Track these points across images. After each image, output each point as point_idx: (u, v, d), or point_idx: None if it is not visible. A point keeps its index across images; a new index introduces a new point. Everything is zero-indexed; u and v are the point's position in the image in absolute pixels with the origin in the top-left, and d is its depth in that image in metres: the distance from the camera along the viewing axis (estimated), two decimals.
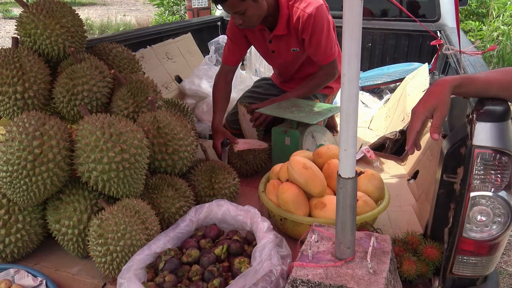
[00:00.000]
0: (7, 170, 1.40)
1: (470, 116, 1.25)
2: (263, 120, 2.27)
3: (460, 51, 1.47)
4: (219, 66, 2.93)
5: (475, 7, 7.55)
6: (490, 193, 1.22)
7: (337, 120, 2.83)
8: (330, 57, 2.28)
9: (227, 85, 2.47)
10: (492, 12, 6.92)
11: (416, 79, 2.68)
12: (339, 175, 1.07)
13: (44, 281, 1.40)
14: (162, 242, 1.42)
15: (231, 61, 2.46)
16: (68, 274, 1.50)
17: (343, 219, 1.10)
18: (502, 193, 1.20)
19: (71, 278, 1.48)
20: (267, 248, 1.28)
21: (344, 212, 1.09)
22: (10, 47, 1.66)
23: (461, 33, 2.78)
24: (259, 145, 2.16)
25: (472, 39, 5.99)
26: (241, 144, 2.14)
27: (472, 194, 1.23)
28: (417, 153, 2.17)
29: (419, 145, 1.29)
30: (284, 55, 2.38)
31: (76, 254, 1.53)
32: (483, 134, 1.19)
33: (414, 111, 1.28)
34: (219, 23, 3.90)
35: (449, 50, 1.52)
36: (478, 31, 6.65)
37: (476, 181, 1.22)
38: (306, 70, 2.47)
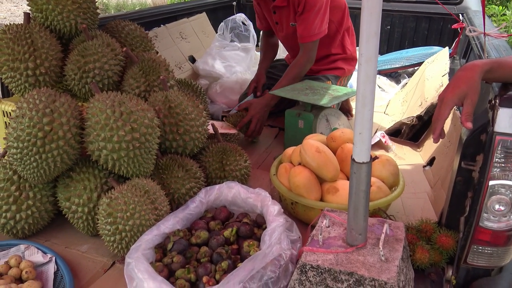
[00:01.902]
0: (17, 147, 1.39)
1: (493, 102, 1.20)
2: (254, 129, 2.23)
3: (484, 33, 1.40)
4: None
5: None
6: (510, 182, 1.18)
7: (352, 104, 2.77)
8: (313, 37, 2.25)
9: (270, 40, 2.71)
10: None
11: (436, 64, 2.60)
12: (353, 160, 1.03)
13: (53, 258, 1.40)
14: (171, 223, 1.40)
15: (260, 26, 2.67)
16: (77, 252, 1.51)
17: (355, 204, 1.07)
18: None
19: (81, 256, 1.49)
20: (277, 232, 1.25)
21: (357, 197, 1.06)
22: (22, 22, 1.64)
23: (486, 17, 2.68)
24: (229, 130, 2.16)
25: (495, 24, 5.80)
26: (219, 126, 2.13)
27: (491, 182, 1.19)
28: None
29: (443, 133, 1.23)
30: (286, 28, 2.40)
31: (86, 232, 1.53)
32: (506, 120, 1.14)
33: (442, 97, 1.21)
34: (234, 2, 3.83)
35: (472, 32, 1.45)
36: (502, 15, 6.44)
37: (496, 169, 1.18)
38: None
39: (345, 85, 2.65)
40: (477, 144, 1.24)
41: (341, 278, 1.06)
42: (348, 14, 2.49)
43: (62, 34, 1.69)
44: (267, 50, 2.71)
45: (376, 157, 1.63)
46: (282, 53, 3.50)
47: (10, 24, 1.61)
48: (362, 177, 1.04)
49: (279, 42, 2.78)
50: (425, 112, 2.23)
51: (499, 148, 1.16)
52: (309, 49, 2.29)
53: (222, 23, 3.43)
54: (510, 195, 1.19)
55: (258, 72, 2.64)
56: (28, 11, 1.66)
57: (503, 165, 1.17)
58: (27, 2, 1.67)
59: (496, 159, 1.17)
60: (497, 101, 1.16)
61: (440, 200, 1.62)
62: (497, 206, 1.20)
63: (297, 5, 2.22)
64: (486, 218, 1.23)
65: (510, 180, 1.18)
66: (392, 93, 3.04)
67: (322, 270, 1.07)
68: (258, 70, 2.66)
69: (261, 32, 2.76)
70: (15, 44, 1.55)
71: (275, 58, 3.01)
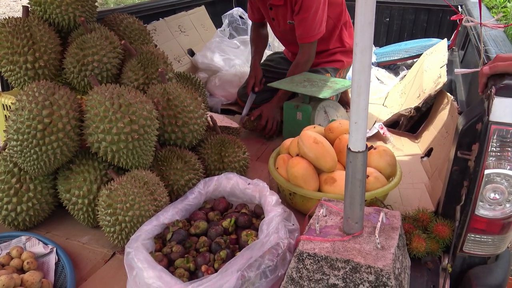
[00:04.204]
0: (17, 139, 1.40)
1: (488, 91, 1.21)
2: (272, 125, 2.28)
3: (480, 24, 1.41)
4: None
5: None
6: (505, 171, 1.19)
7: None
8: (311, 37, 2.29)
9: (261, 31, 2.69)
10: None
11: (434, 55, 2.60)
12: (348, 149, 1.04)
13: (54, 249, 1.42)
14: (170, 214, 1.42)
15: (253, 18, 2.64)
16: (78, 243, 1.52)
17: (352, 193, 1.08)
18: None
19: (81, 247, 1.50)
20: (275, 222, 1.27)
21: (353, 186, 1.07)
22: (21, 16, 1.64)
23: (484, 8, 2.68)
24: (230, 124, 2.19)
25: (495, 16, 5.78)
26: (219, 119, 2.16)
27: (486, 171, 1.20)
28: (432, 131, 2.12)
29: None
30: (283, 25, 2.41)
31: (87, 224, 1.55)
32: (501, 109, 1.15)
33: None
34: None
35: (469, 22, 1.45)
36: (503, 7, 6.42)
37: (491, 158, 1.19)
38: None
39: (344, 77, 2.65)
40: (473, 134, 1.25)
41: (337, 265, 1.07)
42: (345, 8, 2.50)
43: (60, 27, 1.69)
44: (259, 42, 2.68)
45: (372, 147, 1.63)
46: (281, 46, 3.51)
47: (9, 17, 1.61)
48: (358, 166, 1.05)
49: (275, 37, 2.79)
50: (423, 104, 2.24)
51: (494, 137, 1.17)
52: (308, 48, 2.34)
53: (226, 20, 3.43)
54: (505, 183, 1.20)
55: (254, 66, 2.60)
56: (26, 5, 1.67)
57: (498, 154, 1.18)
58: None
59: (492, 148, 1.18)
60: (492, 90, 1.17)
61: (437, 190, 1.63)
62: (492, 195, 1.22)
63: (294, 4, 2.24)
64: (482, 207, 1.24)
65: (505, 169, 1.19)
66: (390, 85, 3.04)
67: (319, 258, 1.09)
68: (253, 64, 2.61)
69: (251, 24, 2.73)
70: (14, 37, 1.55)
71: (273, 51, 3.02)
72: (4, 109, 1.81)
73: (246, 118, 2.35)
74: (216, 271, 1.21)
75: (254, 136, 2.36)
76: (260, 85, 2.56)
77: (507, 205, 1.21)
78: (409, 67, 3.21)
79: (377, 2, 0.94)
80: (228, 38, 3.31)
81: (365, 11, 0.91)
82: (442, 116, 2.05)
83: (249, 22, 3.41)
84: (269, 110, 2.28)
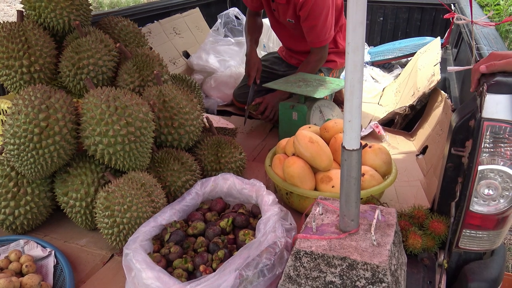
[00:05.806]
0: (14, 143, 1.41)
1: (480, 88, 1.22)
2: (270, 113, 2.35)
3: (472, 22, 1.42)
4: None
5: None
6: (499, 167, 1.20)
7: None
8: (322, 42, 2.33)
9: (257, 20, 2.66)
10: None
11: (428, 54, 2.62)
12: (343, 147, 1.05)
13: (53, 252, 1.43)
14: (168, 215, 1.43)
15: (251, 6, 2.59)
16: (76, 246, 1.53)
17: (347, 191, 1.09)
18: None
19: (80, 250, 1.51)
20: (272, 221, 1.28)
21: (349, 184, 1.08)
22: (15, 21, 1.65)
23: (477, 6, 2.70)
24: (227, 125, 2.23)
25: (487, 13, 5.81)
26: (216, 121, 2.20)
27: (480, 167, 1.21)
28: (426, 128, 2.14)
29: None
30: (283, 20, 2.43)
31: (84, 226, 1.56)
32: (493, 106, 1.16)
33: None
34: None
35: (460, 20, 1.47)
36: (495, 5, 6.45)
37: (484, 154, 1.20)
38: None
39: (338, 77, 2.67)
40: (466, 130, 1.26)
41: (334, 263, 1.08)
42: (343, 13, 2.52)
43: (55, 31, 1.70)
44: (255, 30, 2.66)
45: (366, 145, 1.65)
46: (275, 46, 3.52)
47: (4, 22, 1.62)
48: (353, 164, 1.06)
49: (272, 33, 2.80)
50: (418, 102, 2.25)
51: (487, 134, 1.18)
52: (320, 51, 2.39)
53: (218, 20, 3.44)
54: (499, 179, 1.21)
55: (253, 56, 2.53)
56: (21, 9, 1.67)
57: (491, 150, 1.19)
58: (21, 0, 1.68)
59: (485, 145, 1.19)
60: (484, 87, 1.18)
61: (433, 187, 1.65)
62: (486, 191, 1.23)
63: (299, 8, 2.23)
64: (476, 203, 1.26)
65: (499, 165, 1.20)
66: (385, 84, 3.06)
67: (316, 256, 1.10)
68: (251, 53, 2.54)
69: (247, 11, 2.69)
70: (9, 42, 1.56)
71: (267, 51, 3.04)
72: (0, 114, 1.81)
73: (250, 104, 2.46)
74: (214, 270, 1.22)
75: (250, 137, 2.38)
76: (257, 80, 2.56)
77: (501, 200, 1.23)
78: (403, 65, 3.24)
79: (371, 1, 0.96)
80: (224, 36, 3.32)
81: (356, 10, 0.92)
82: (437, 113, 2.07)
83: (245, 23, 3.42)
84: (271, 98, 2.35)
